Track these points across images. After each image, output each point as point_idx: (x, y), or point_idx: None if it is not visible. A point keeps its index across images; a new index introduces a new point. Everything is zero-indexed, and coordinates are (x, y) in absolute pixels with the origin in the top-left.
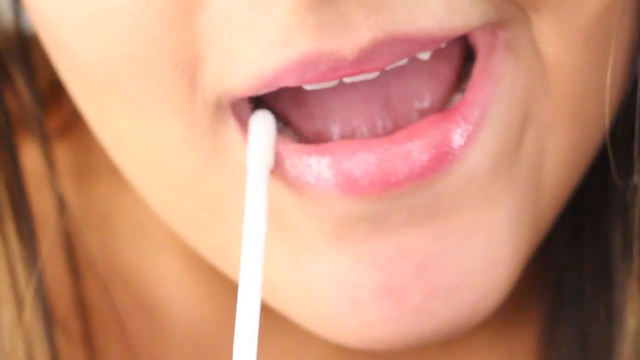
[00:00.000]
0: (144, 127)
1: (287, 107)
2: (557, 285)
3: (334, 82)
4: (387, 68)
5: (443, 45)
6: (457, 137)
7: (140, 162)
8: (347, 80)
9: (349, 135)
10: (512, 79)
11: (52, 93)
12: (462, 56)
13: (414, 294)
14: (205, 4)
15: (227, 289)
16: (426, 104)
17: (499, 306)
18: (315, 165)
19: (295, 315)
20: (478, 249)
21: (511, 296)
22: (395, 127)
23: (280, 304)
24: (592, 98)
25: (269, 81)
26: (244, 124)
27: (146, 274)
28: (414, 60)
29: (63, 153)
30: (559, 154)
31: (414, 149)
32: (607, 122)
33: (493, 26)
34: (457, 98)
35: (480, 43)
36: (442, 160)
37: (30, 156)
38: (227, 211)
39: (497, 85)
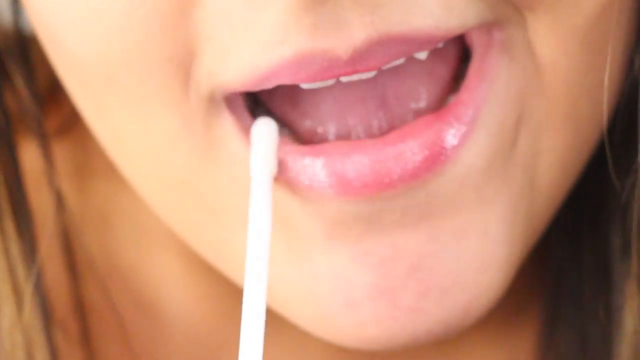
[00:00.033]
0: (140, 123)
1: (283, 105)
2: (556, 285)
3: (330, 82)
4: (384, 68)
5: (440, 45)
6: (451, 137)
7: (138, 160)
8: (343, 79)
9: (345, 135)
10: (507, 79)
11: (51, 93)
12: (458, 56)
13: (408, 294)
14: (202, 2)
15: (226, 289)
16: (422, 104)
17: (493, 306)
18: (309, 166)
19: (293, 315)
20: (472, 249)
21: (510, 296)
22: (390, 127)
23: (278, 304)
24: (587, 99)
25: (263, 78)
26: (238, 118)
27: (145, 274)
28: (410, 60)
29: (62, 153)
30: (553, 154)
31: (407, 150)
32: (604, 122)
33: (489, 26)
34: (453, 98)
35: (477, 43)
36: (435, 160)
37: (30, 156)
38: (223, 208)
39: (491, 85)
